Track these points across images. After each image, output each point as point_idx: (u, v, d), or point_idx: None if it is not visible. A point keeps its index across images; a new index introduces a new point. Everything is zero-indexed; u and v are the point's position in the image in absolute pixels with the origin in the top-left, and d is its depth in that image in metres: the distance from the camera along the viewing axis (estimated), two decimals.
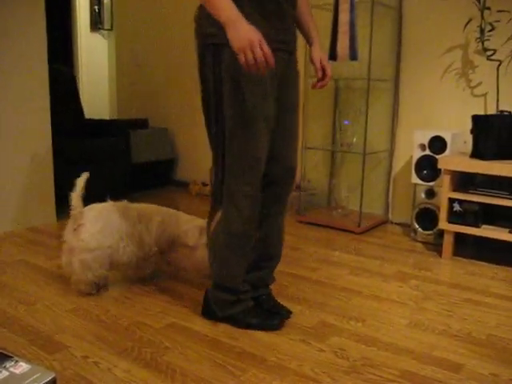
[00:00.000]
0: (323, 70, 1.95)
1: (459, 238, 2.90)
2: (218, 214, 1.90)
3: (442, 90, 3.28)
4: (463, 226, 2.78)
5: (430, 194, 3.08)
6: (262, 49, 1.55)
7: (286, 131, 1.92)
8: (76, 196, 2.23)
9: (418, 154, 3.08)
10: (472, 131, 2.81)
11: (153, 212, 2.39)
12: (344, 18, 3.11)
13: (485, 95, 3.13)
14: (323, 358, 1.78)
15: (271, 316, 2.00)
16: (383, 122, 3.51)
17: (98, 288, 2.31)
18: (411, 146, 3.32)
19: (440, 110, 3.30)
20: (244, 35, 1.54)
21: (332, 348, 1.84)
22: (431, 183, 3.05)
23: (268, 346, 1.85)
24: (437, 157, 2.97)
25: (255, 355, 1.78)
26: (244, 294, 1.99)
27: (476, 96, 3.17)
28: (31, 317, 2.04)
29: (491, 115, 2.82)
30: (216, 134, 1.82)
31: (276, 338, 1.90)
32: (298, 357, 1.78)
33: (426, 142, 3.04)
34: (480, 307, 2.24)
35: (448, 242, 2.86)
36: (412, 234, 3.18)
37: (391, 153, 3.52)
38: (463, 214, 2.79)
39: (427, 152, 3.04)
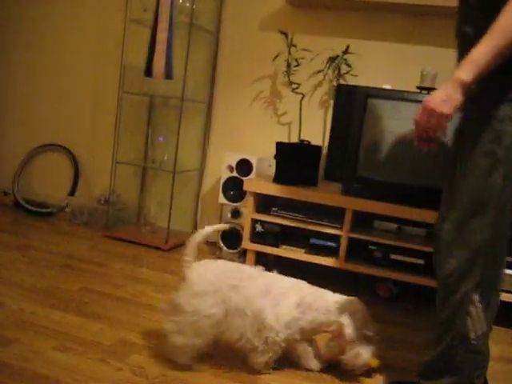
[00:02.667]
0: None
1: (261, 256, 3.06)
2: None
3: (251, 116, 3.46)
4: (264, 246, 2.96)
5: (236, 213, 3.22)
6: (436, 123, 1.46)
7: None
8: (192, 245, 1.88)
9: (225, 175, 3.20)
10: (275, 157, 3.00)
11: (288, 287, 1.90)
12: (162, 36, 3.14)
13: (289, 124, 3.38)
14: (121, 377, 1.75)
15: None
16: (195, 141, 3.60)
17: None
18: (220, 167, 3.44)
19: (248, 135, 3.48)
20: (436, 98, 1.45)
21: (131, 366, 1.82)
22: (237, 204, 3.20)
23: (63, 367, 1.77)
24: (243, 179, 3.12)
25: (48, 377, 1.69)
26: None
27: (281, 124, 3.40)
28: None
29: (293, 143, 3.06)
30: None
31: (73, 359, 1.82)
32: (96, 377, 1.72)
33: (233, 164, 3.18)
34: None
35: (250, 261, 3.00)
36: (217, 252, 3.29)
37: (201, 172, 3.62)
38: (265, 235, 2.97)
39: (234, 174, 3.18)
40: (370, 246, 2.81)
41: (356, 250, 2.88)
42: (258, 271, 1.93)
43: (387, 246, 2.77)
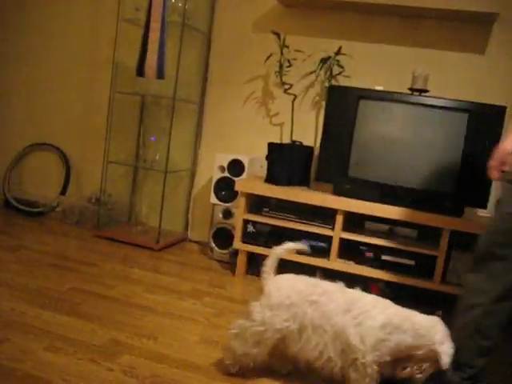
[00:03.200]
0: None
1: (253, 257, 3.06)
2: None
3: (244, 117, 3.47)
4: (256, 246, 2.96)
5: (227, 214, 3.22)
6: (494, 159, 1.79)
7: None
8: (272, 258, 1.90)
9: (217, 175, 3.20)
10: (267, 157, 3.01)
11: (372, 305, 1.78)
12: (154, 36, 3.14)
13: (281, 125, 3.38)
14: (111, 377, 1.74)
15: None
16: (187, 141, 3.60)
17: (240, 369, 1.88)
18: (212, 168, 3.44)
19: (240, 135, 3.48)
20: (503, 143, 1.79)
21: (122, 367, 1.82)
22: (228, 204, 3.20)
23: (54, 367, 1.76)
24: (235, 179, 3.12)
25: (39, 378, 1.68)
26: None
27: (273, 125, 3.41)
28: None
29: (284, 144, 3.06)
30: None
31: (63, 359, 1.82)
32: (86, 378, 1.72)
33: (225, 164, 3.18)
34: None
35: (242, 261, 3.01)
36: (209, 253, 3.29)
37: (193, 172, 3.62)
38: (256, 235, 2.97)
39: (226, 174, 3.18)
40: (361, 247, 2.82)
41: (347, 251, 2.89)
42: (339, 287, 1.85)
43: (378, 246, 2.78)
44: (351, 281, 3.01)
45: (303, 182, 3.07)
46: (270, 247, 2.91)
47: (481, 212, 2.83)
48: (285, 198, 2.87)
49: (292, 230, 2.90)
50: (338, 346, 1.73)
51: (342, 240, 2.82)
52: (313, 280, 1.86)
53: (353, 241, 2.81)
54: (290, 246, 1.90)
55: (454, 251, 2.69)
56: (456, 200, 2.70)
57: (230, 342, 1.82)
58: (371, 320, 1.73)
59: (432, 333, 1.71)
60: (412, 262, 2.75)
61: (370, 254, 2.81)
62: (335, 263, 2.82)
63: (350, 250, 2.88)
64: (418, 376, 1.75)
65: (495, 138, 2.61)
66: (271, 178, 2.97)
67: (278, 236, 2.98)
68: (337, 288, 1.83)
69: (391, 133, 2.77)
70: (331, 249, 2.82)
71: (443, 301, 2.70)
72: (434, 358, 1.70)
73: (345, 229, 2.83)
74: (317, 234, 2.86)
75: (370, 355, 1.70)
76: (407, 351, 1.73)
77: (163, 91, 3.47)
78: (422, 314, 1.78)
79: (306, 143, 3.23)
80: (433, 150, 2.74)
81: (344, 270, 2.80)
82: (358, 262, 2.82)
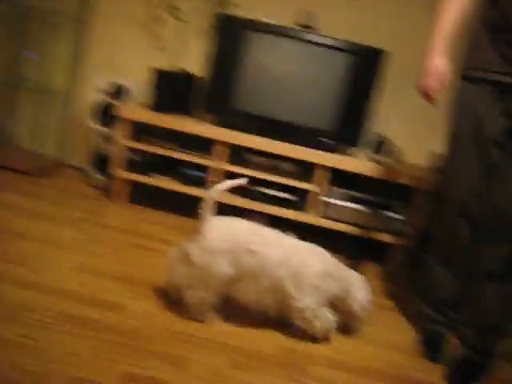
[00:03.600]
0: None
1: (133, 185, 3.01)
2: None
3: (128, 40, 3.30)
4: (136, 174, 2.90)
5: (107, 139, 3.11)
6: (428, 82, 1.83)
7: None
8: (210, 199, 1.81)
9: (98, 98, 3.06)
10: (152, 84, 2.91)
11: (308, 254, 1.87)
12: None
13: (168, 51, 3.27)
14: None
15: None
16: (66, 60, 3.36)
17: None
18: (92, 90, 3.27)
19: (124, 58, 3.32)
20: (424, 65, 1.85)
21: None
22: (108, 129, 3.08)
23: None
24: (116, 103, 3.00)
25: None
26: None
27: (160, 50, 3.28)
28: None
29: (171, 71, 2.97)
30: None
31: None
32: None
33: (106, 87, 3.05)
34: (145, 251, 2.38)
35: (121, 189, 2.95)
36: (87, 179, 3.18)
37: (71, 94, 3.42)
38: (137, 163, 2.91)
39: (107, 98, 3.05)
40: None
41: None
42: (277, 235, 1.89)
43: (260, 180, 2.84)
44: (232, 213, 3.06)
45: (188, 111, 3.03)
46: (151, 176, 2.90)
47: (356, 150, 2.96)
48: (168, 126, 2.82)
49: (173, 159, 2.87)
50: (275, 294, 1.82)
51: (224, 172, 2.85)
52: (252, 226, 1.87)
53: (235, 173, 2.84)
54: (227, 184, 1.84)
55: (332, 187, 2.82)
56: (333, 137, 2.81)
57: (184, 294, 1.82)
58: (307, 268, 1.82)
59: (353, 283, 1.92)
60: (293, 197, 2.85)
61: (251, 187, 2.86)
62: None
63: None
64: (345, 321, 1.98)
65: (373, 80, 2.72)
66: (155, 105, 2.88)
67: (160, 165, 2.96)
68: (275, 236, 1.88)
69: (277, 67, 2.78)
70: (212, 180, 2.84)
71: (326, 235, 2.84)
72: (353, 305, 1.93)
73: (227, 161, 2.85)
74: (199, 164, 2.86)
75: (306, 300, 1.81)
76: (334, 299, 1.90)
77: (42, 4, 3.20)
78: (350, 270, 1.96)
79: (193, 72, 3.16)
80: (315, 88, 2.80)
81: (225, 201, 2.84)
82: (240, 195, 2.87)
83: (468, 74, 1.85)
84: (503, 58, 1.75)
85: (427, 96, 1.88)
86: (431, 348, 2.01)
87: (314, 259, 1.86)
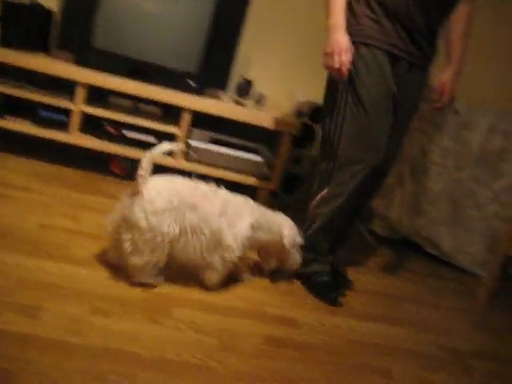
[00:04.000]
0: (442, 92, 2.09)
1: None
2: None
3: None
4: None
5: None
6: (342, 58, 1.85)
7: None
8: (148, 160, 1.77)
9: None
10: (0, 17, 2.66)
11: (241, 207, 1.96)
12: None
13: None
14: None
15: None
16: None
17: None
18: None
19: None
20: (334, 42, 1.87)
21: None
22: None
23: None
24: None
25: None
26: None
27: None
28: None
29: (21, 3, 2.72)
30: None
31: None
32: None
33: None
34: (1, 199, 2.23)
35: None
36: None
37: None
38: None
39: None
40: (103, 122, 2.75)
41: (89, 126, 2.77)
42: (214, 189, 1.94)
43: (121, 122, 2.74)
44: (92, 157, 2.93)
45: (43, 48, 2.81)
46: (3, 118, 2.68)
47: (221, 93, 2.94)
48: (20, 65, 2.60)
49: (28, 100, 2.67)
50: (213, 246, 1.88)
51: (83, 114, 2.70)
52: (191, 183, 1.91)
53: (95, 116, 2.71)
54: (165, 147, 1.82)
55: (194, 129, 2.80)
56: (198, 80, 2.77)
57: (128, 260, 1.79)
58: (242, 220, 1.92)
59: (282, 225, 2.04)
60: (154, 140, 2.79)
61: (112, 130, 2.76)
62: (76, 138, 2.71)
63: (91, 125, 2.78)
64: (281, 266, 2.14)
65: (240, 21, 2.70)
66: (4, 41, 2.64)
67: (13, 106, 2.74)
68: (212, 190, 1.93)
69: (142, 4, 2.65)
70: (71, 123, 2.69)
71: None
72: (284, 249, 2.05)
73: (87, 102, 2.70)
74: (56, 106, 2.69)
75: (238, 252, 1.91)
76: (266, 246, 2.07)
77: None
78: (277, 214, 2.09)
79: (48, 5, 2.91)
80: (181, 28, 2.72)
81: (85, 145, 2.72)
82: (100, 138, 2.75)
83: (370, 42, 1.95)
84: (400, 37, 1.94)
85: (341, 72, 1.92)
86: (328, 291, 2.17)
87: (246, 211, 1.96)
